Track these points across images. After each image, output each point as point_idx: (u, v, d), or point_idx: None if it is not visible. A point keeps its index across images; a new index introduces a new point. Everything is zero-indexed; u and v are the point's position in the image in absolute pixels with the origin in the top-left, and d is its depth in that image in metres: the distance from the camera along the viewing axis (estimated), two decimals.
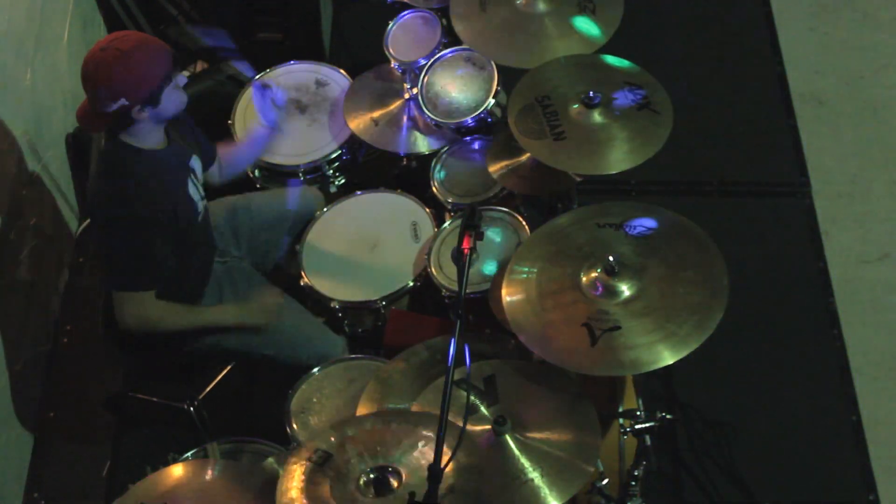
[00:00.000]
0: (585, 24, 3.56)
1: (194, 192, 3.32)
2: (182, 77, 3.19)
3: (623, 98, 3.31)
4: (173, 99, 3.13)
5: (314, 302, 3.59)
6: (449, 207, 3.64)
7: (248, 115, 3.87)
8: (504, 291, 2.98)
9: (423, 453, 2.63)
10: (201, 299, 3.46)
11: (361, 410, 3.05)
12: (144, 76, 3.04)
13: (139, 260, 3.18)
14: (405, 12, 3.90)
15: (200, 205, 3.36)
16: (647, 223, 3.02)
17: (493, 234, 3.46)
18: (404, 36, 3.86)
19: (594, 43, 3.53)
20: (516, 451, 2.76)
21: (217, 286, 3.50)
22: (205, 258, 3.47)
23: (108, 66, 3.01)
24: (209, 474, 2.88)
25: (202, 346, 3.44)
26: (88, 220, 4.32)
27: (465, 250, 2.66)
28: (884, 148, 4.61)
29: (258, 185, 3.86)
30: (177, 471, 2.89)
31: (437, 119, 3.68)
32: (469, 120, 3.65)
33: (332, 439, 2.73)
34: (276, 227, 3.71)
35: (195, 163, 3.36)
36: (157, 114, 3.12)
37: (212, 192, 3.56)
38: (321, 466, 2.66)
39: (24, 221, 3.85)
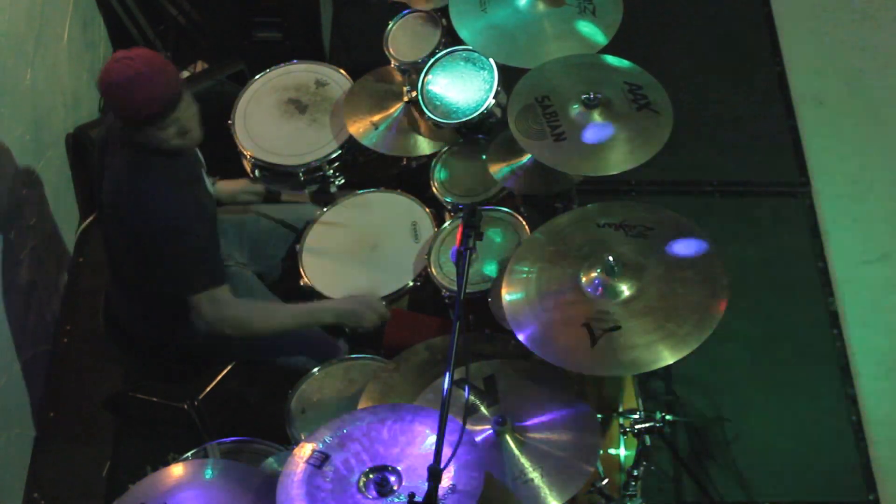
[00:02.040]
0: (589, 29, 3.56)
1: (209, 185, 3.35)
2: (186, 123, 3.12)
3: (623, 98, 3.30)
4: (193, 115, 3.11)
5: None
6: (449, 207, 3.63)
7: (248, 114, 3.87)
8: (504, 291, 2.98)
9: (423, 453, 2.63)
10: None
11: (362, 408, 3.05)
12: (163, 89, 3.01)
13: (196, 254, 3.16)
14: (405, 12, 3.89)
15: (213, 199, 3.38)
16: (647, 223, 3.02)
17: (493, 234, 3.46)
18: (404, 36, 3.86)
19: (596, 45, 3.53)
20: (516, 451, 2.76)
21: None
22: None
23: (129, 79, 2.99)
24: (209, 474, 2.87)
25: (200, 348, 3.44)
26: (90, 219, 4.32)
27: (459, 243, 2.66)
28: (884, 148, 4.61)
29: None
30: (177, 471, 2.88)
31: (437, 119, 3.68)
32: (469, 120, 3.65)
33: (329, 439, 2.73)
34: (282, 240, 3.72)
35: (200, 156, 3.38)
36: (173, 133, 3.09)
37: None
38: (319, 468, 2.66)
39: (24, 221, 3.85)
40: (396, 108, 3.82)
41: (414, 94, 3.73)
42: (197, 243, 3.16)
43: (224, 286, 3.22)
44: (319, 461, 2.68)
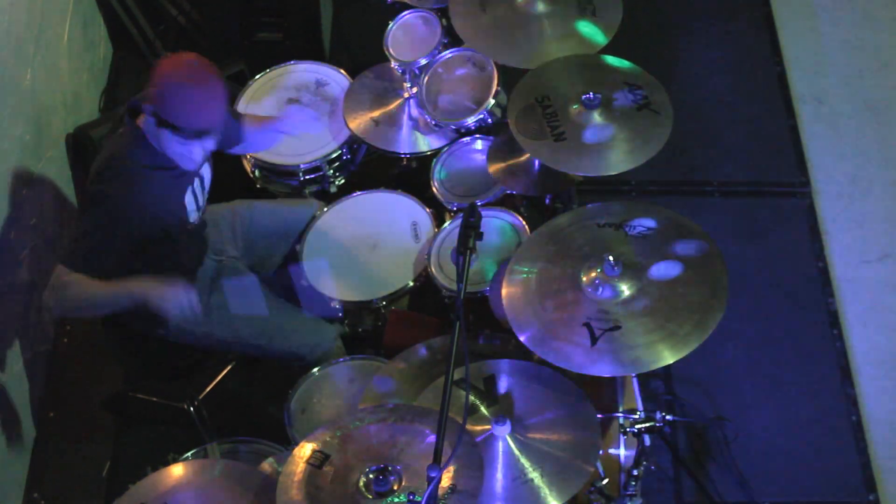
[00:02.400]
0: (589, 29, 3.56)
1: (191, 200, 3.30)
2: (211, 144, 3.12)
3: (623, 98, 3.31)
4: (182, 153, 3.10)
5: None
6: (449, 207, 3.64)
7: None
8: (504, 291, 2.98)
9: (423, 453, 2.63)
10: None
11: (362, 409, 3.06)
12: (179, 109, 3.01)
13: (95, 244, 3.12)
14: (405, 12, 3.90)
15: (194, 214, 3.34)
16: (647, 223, 3.02)
17: (493, 235, 3.46)
18: (404, 36, 3.86)
19: (596, 45, 3.53)
20: (516, 451, 2.76)
21: (209, 283, 3.50)
22: (191, 262, 3.45)
23: (168, 76, 3.01)
24: (209, 474, 2.87)
25: (193, 336, 3.43)
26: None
27: (465, 250, 2.66)
28: (884, 148, 4.61)
29: (258, 185, 3.86)
30: (177, 471, 2.88)
31: (437, 119, 3.68)
32: (469, 120, 3.65)
33: (329, 439, 2.73)
34: (275, 236, 3.71)
35: (206, 170, 3.34)
36: (165, 143, 3.10)
37: (220, 192, 3.56)
38: (319, 468, 2.66)
39: (24, 221, 3.85)
40: (396, 105, 3.83)
41: (415, 90, 3.73)
42: (101, 231, 3.11)
43: (81, 275, 3.12)
44: (319, 461, 2.68)
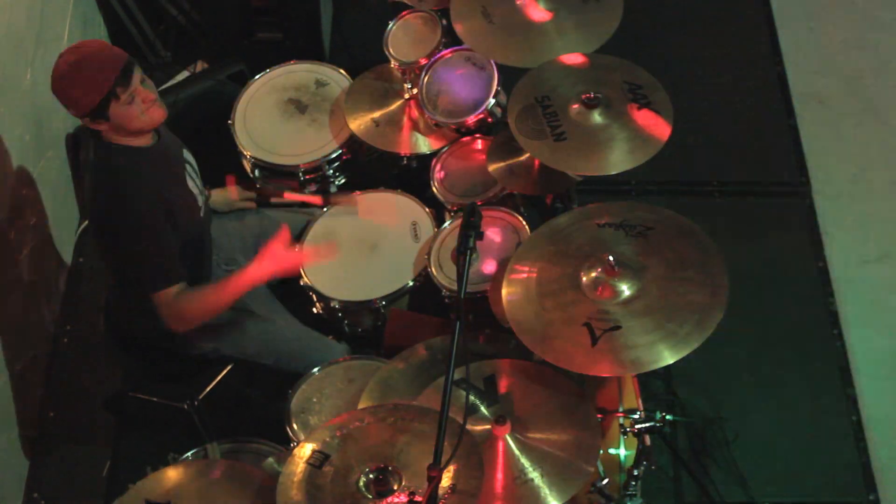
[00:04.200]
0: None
1: (193, 185, 3.32)
2: (146, 92, 3.11)
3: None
4: (127, 114, 3.09)
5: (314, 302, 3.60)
6: (449, 207, 3.64)
7: (248, 114, 3.87)
8: (504, 291, 2.98)
9: (423, 453, 2.63)
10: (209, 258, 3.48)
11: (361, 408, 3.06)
12: (83, 91, 3.03)
13: (158, 255, 3.17)
14: (405, 12, 3.89)
15: (200, 199, 3.36)
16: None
17: (494, 235, 3.46)
18: (404, 36, 3.86)
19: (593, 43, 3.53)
20: (516, 451, 2.76)
21: None
22: (206, 252, 3.47)
23: (57, 79, 3.06)
24: (209, 474, 2.87)
25: (201, 351, 3.44)
26: (87, 222, 4.33)
27: (465, 250, 2.66)
28: (884, 148, 4.61)
29: (258, 185, 3.86)
30: (177, 471, 2.88)
31: (438, 119, 3.68)
32: (469, 120, 3.65)
33: (329, 439, 2.73)
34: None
35: (189, 155, 3.37)
36: (116, 127, 3.11)
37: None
38: (319, 468, 2.66)
39: (24, 221, 3.85)
40: (397, 106, 3.83)
41: (415, 90, 3.73)
42: (150, 244, 3.15)
43: (180, 283, 3.20)
44: (319, 461, 2.68)
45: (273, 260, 3.25)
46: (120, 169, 3.15)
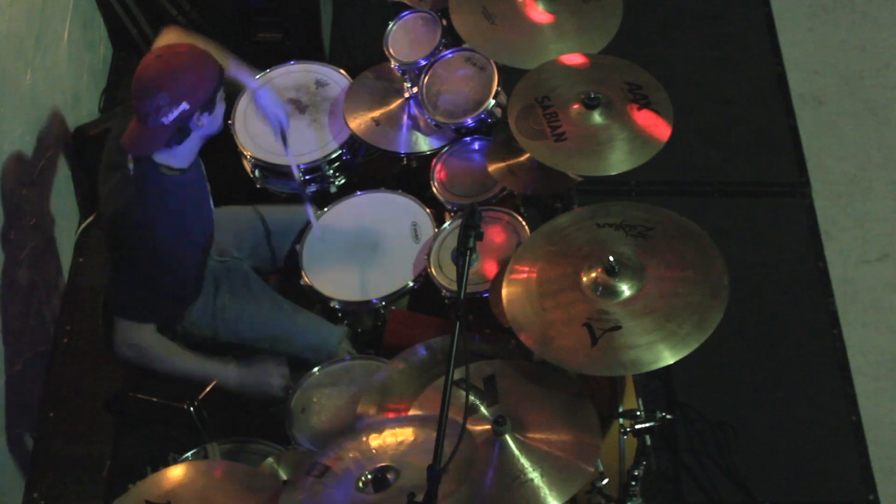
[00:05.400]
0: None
1: (212, 203, 3.35)
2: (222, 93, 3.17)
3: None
4: (221, 109, 3.16)
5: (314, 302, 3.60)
6: (449, 207, 3.64)
7: (248, 114, 3.87)
8: (504, 291, 2.98)
9: (423, 453, 2.63)
10: (195, 300, 3.45)
11: (361, 410, 3.06)
12: (203, 78, 3.05)
13: (149, 290, 3.19)
14: (405, 12, 3.89)
15: (211, 216, 3.39)
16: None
17: (494, 235, 3.46)
18: (404, 36, 3.86)
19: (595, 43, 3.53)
20: (516, 451, 2.76)
21: (213, 285, 3.50)
22: (204, 265, 3.47)
23: (172, 70, 3.02)
24: (209, 474, 2.87)
25: (199, 337, 3.44)
26: (90, 219, 4.33)
27: (465, 251, 2.66)
28: (884, 148, 4.61)
29: (258, 185, 3.86)
30: (177, 471, 2.88)
31: (437, 119, 3.68)
32: (469, 120, 3.65)
33: (330, 451, 2.73)
34: (279, 236, 3.72)
35: (203, 170, 3.38)
36: (211, 122, 3.13)
37: (221, 193, 3.56)
38: (320, 478, 2.67)
39: (24, 221, 3.85)
40: (397, 105, 3.83)
41: (415, 90, 3.73)
42: (147, 275, 3.17)
43: (149, 325, 3.22)
44: (320, 474, 2.68)
45: (255, 377, 3.36)
46: (155, 191, 3.12)
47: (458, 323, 2.56)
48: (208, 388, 3.47)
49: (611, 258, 2.87)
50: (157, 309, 3.24)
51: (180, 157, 3.15)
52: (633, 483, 3.05)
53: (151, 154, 3.10)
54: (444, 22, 3.79)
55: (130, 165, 3.13)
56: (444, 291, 3.43)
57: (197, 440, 3.31)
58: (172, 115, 3.02)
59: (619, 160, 3.22)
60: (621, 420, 3.05)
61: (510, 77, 3.56)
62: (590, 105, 3.28)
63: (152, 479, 2.87)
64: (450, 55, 3.76)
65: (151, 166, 3.12)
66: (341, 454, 2.71)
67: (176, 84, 3.01)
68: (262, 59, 4.06)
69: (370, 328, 3.59)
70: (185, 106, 3.02)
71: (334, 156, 3.80)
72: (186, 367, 3.31)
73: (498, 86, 3.65)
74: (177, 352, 3.30)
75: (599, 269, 2.89)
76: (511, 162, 3.52)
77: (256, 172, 3.86)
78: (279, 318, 3.48)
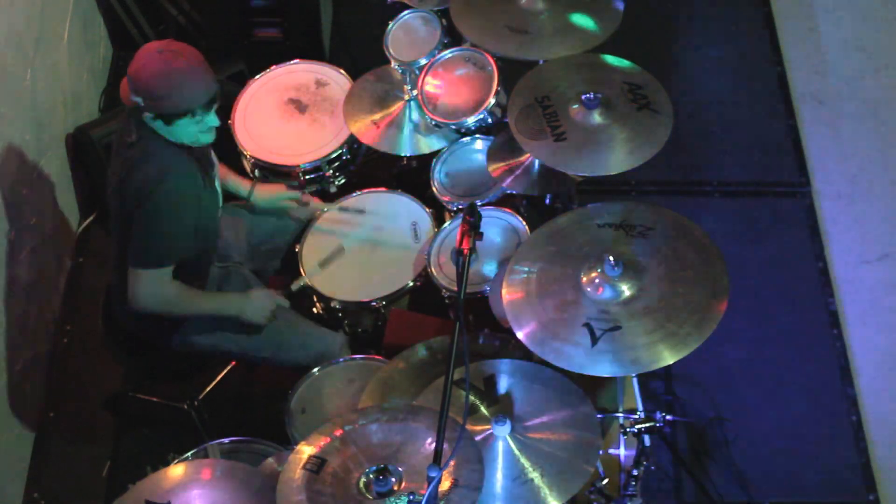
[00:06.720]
0: (582, 20, 3.57)
1: (218, 186, 3.35)
2: (214, 119, 3.16)
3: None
4: (188, 131, 3.14)
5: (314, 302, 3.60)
6: (449, 207, 3.64)
7: (248, 114, 3.87)
8: (504, 291, 2.98)
9: (423, 453, 2.63)
10: (217, 240, 3.48)
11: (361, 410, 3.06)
12: (171, 95, 3.04)
13: (166, 238, 3.18)
14: (405, 12, 3.89)
15: (220, 199, 3.37)
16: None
17: (494, 235, 3.46)
18: (404, 36, 3.85)
19: (592, 36, 3.52)
20: (516, 451, 2.76)
21: (214, 289, 3.50)
22: (210, 255, 3.47)
23: (148, 68, 3.03)
24: (209, 474, 2.87)
25: (199, 347, 3.44)
26: (90, 219, 4.33)
27: (465, 250, 2.66)
28: (884, 148, 4.61)
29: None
30: (177, 471, 2.88)
31: (438, 119, 3.68)
32: (469, 120, 3.65)
33: (327, 444, 2.72)
34: (277, 236, 3.72)
35: (214, 157, 3.39)
36: (167, 131, 3.12)
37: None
38: (317, 473, 2.66)
39: (24, 221, 3.85)
40: (397, 107, 3.83)
41: (415, 91, 3.73)
42: (167, 226, 3.17)
43: (167, 268, 3.22)
44: (316, 467, 2.67)
45: (258, 301, 3.38)
46: (159, 151, 3.15)
47: (458, 323, 2.56)
48: (208, 388, 3.48)
49: (611, 258, 2.87)
50: (173, 255, 3.22)
51: (175, 135, 3.15)
52: (633, 483, 3.05)
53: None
54: (445, 22, 3.79)
55: (133, 136, 3.16)
56: (444, 291, 3.43)
57: (197, 440, 3.31)
58: (130, 97, 3.08)
59: (619, 160, 3.22)
60: (621, 420, 3.05)
61: (510, 77, 3.56)
62: (590, 105, 3.28)
63: (152, 479, 2.87)
64: (450, 55, 3.76)
65: (152, 134, 3.14)
66: (341, 447, 2.70)
67: (141, 80, 3.04)
68: (262, 59, 4.06)
69: (370, 328, 3.59)
70: (139, 100, 3.06)
71: (334, 156, 3.80)
72: (204, 304, 3.34)
73: (498, 86, 3.65)
74: (189, 294, 3.29)
75: (599, 269, 2.89)
76: (511, 162, 3.52)
77: (256, 172, 3.86)
78: (281, 326, 3.48)
